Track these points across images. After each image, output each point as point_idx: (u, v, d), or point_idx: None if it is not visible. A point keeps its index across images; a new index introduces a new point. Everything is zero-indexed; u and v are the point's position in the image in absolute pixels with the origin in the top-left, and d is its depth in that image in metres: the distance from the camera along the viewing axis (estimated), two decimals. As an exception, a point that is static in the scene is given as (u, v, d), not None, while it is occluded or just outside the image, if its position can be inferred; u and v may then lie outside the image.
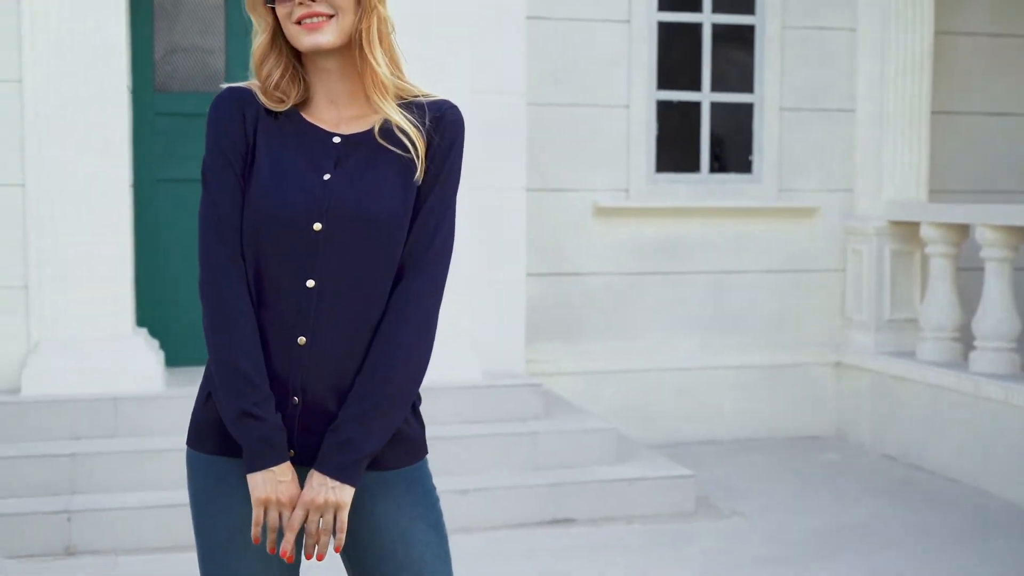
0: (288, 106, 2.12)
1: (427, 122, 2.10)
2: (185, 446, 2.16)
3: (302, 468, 2.06)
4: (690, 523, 5.17)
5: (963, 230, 6.26)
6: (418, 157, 2.08)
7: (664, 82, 6.82)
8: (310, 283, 2.03)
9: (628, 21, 6.66)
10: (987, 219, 5.89)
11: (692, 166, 6.90)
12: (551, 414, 5.70)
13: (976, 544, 4.93)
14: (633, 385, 6.71)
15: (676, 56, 6.96)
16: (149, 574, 4.52)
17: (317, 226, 2.03)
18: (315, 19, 2.03)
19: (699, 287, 6.83)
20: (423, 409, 2.28)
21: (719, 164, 7.04)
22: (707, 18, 6.84)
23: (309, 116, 2.13)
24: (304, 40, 2.05)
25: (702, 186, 6.85)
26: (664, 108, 6.84)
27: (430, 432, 5.69)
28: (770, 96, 6.87)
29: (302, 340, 2.04)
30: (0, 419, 5.13)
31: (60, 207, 5.29)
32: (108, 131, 5.34)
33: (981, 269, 6.09)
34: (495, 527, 5.02)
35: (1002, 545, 4.93)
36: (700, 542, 4.94)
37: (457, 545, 4.70)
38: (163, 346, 5.74)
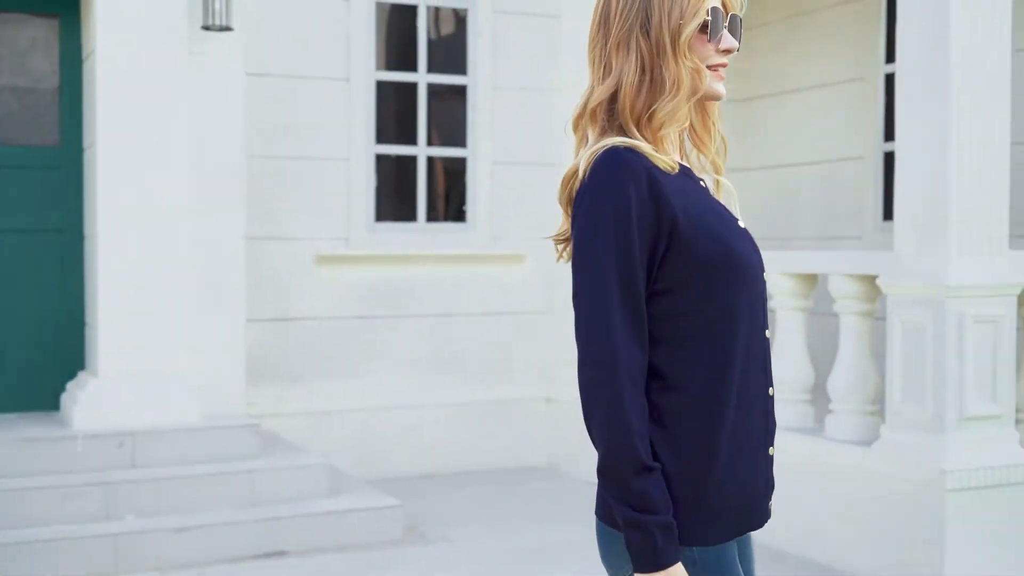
0: (676, 166, 1.94)
1: None
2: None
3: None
4: (398, 549, 5.53)
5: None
6: None
7: (385, 136, 7.24)
8: (768, 333, 2.00)
9: (348, 79, 7.05)
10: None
11: (410, 216, 7.33)
12: (268, 452, 5.96)
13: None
14: (355, 424, 7.05)
15: (397, 112, 7.40)
16: None
17: (765, 276, 2.01)
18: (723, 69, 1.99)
19: (419, 329, 7.24)
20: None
21: (435, 214, 7.49)
22: (422, 78, 7.32)
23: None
24: (722, 87, 1.98)
25: (419, 235, 7.29)
26: (385, 161, 7.26)
27: (147, 474, 5.87)
28: (482, 150, 7.39)
29: (771, 391, 2.00)
30: None
31: None
32: None
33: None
34: (210, 563, 5.23)
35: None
36: (405, 565, 5.30)
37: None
38: None
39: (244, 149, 6.25)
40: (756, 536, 2.13)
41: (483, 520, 6.12)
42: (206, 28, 6.01)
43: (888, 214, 7.18)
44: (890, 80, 7.02)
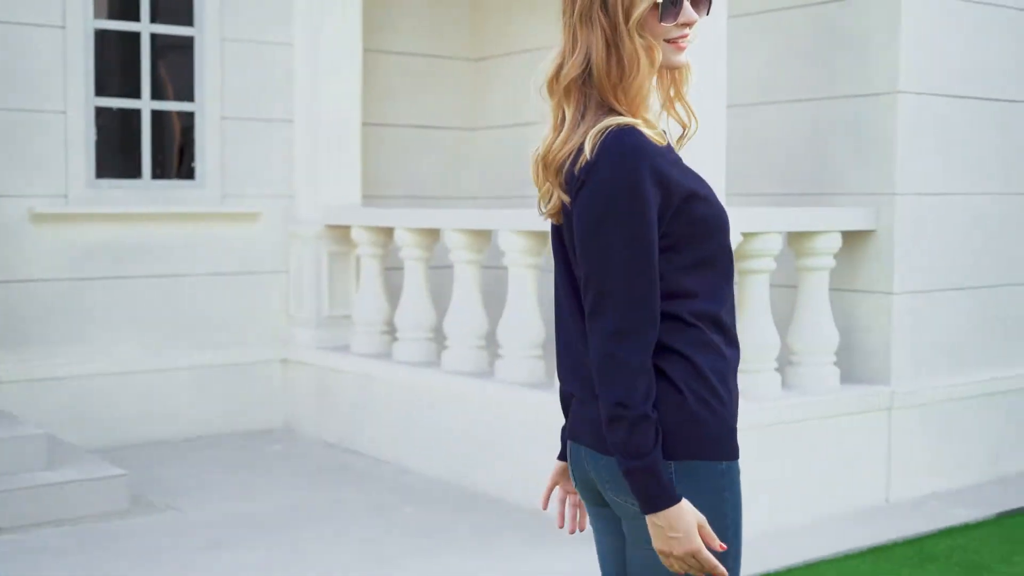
0: (664, 139, 2.09)
1: None
2: (687, 461, 2.05)
3: None
4: (124, 520, 5.31)
5: (389, 232, 6.84)
6: None
7: (107, 89, 6.87)
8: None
9: (63, 27, 6.64)
10: (404, 223, 6.51)
11: (135, 172, 7.00)
12: (-20, 424, 5.60)
13: (390, 513, 5.48)
14: (78, 391, 6.71)
15: (119, 64, 7.03)
16: None
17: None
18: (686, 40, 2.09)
19: (147, 291, 6.95)
20: None
21: (162, 171, 7.19)
22: (145, 27, 6.98)
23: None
24: (681, 58, 2.08)
25: (145, 192, 6.98)
26: (107, 115, 6.90)
27: None
28: (211, 105, 7.13)
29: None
30: None
31: None
32: None
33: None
34: (-87, 543, 4.89)
35: (411, 512, 5.52)
36: (131, 537, 5.09)
37: None
38: None
39: (-53, 99, 5.80)
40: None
41: (216, 486, 5.96)
42: (-101, -34, 5.53)
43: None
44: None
